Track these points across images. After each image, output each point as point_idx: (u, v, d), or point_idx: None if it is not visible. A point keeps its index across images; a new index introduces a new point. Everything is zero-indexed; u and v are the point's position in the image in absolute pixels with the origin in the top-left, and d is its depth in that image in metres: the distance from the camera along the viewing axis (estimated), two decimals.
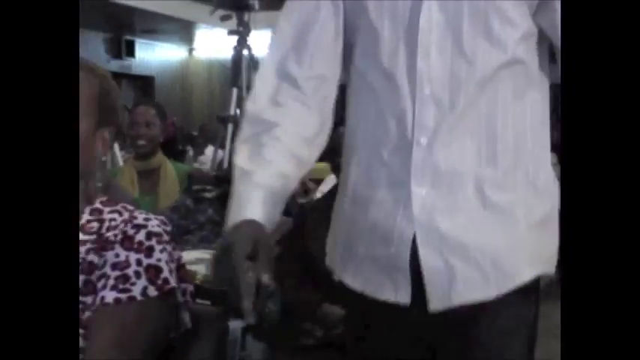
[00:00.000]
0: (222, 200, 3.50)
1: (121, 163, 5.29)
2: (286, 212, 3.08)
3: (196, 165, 8.46)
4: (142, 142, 4.34)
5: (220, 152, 5.59)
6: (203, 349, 1.75)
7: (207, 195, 3.57)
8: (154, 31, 14.01)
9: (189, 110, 15.09)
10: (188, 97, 15.51)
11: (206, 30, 13.62)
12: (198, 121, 13.34)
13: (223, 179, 3.61)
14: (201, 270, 3.22)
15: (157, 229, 1.63)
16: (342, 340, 2.78)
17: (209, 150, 8.94)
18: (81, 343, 1.56)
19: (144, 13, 12.33)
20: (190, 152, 10.65)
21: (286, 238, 3.16)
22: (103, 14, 12.18)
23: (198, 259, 3.29)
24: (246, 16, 5.77)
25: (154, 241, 1.62)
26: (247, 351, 2.89)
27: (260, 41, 6.22)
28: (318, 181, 4.68)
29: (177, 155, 7.67)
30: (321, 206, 3.20)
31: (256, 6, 5.76)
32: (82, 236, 1.64)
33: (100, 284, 1.58)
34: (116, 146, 5.65)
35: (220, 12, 5.90)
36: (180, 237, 3.49)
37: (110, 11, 11.96)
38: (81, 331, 1.56)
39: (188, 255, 3.38)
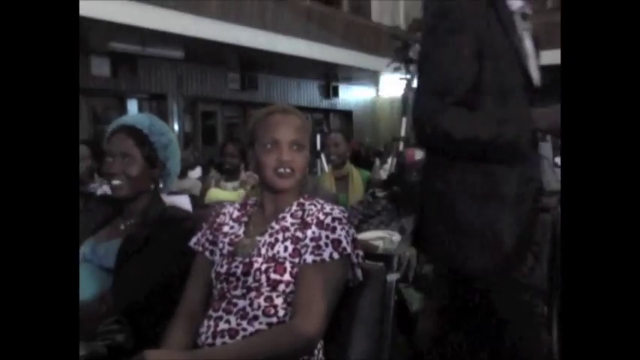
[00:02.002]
0: (391, 197, 3.62)
1: (326, 170, 5.50)
2: None
3: (382, 172, 8.55)
4: (333, 157, 4.60)
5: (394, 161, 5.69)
6: (371, 293, 1.80)
7: (378, 194, 3.67)
8: (352, 78, 14.18)
9: (377, 134, 15.16)
10: (376, 124, 15.58)
11: (388, 76, 13.66)
12: (383, 141, 13.42)
13: (391, 182, 3.72)
14: (380, 244, 3.31)
15: (338, 215, 1.71)
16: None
17: (390, 160, 9.00)
18: (290, 288, 1.67)
19: (345, 67, 12.53)
20: (377, 162, 10.74)
21: None
22: (317, 69, 12.49)
23: (378, 237, 3.38)
24: (411, 67, 5.87)
25: (336, 223, 1.69)
26: (408, 298, 2.97)
27: None
28: None
29: (365, 165, 7.78)
30: None
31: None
32: (290, 220, 1.74)
33: (302, 251, 1.68)
34: (323, 160, 5.87)
35: (393, 64, 6.03)
36: (366, 221, 3.60)
37: (322, 67, 12.22)
38: (292, 280, 1.67)
39: (372, 234, 3.49)
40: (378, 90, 15.60)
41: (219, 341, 1.64)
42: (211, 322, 1.69)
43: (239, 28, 9.35)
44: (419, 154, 3.48)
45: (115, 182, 2.02)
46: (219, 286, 1.74)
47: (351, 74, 13.54)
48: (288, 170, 1.75)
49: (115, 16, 7.59)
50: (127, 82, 10.03)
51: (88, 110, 10.00)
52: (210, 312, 1.72)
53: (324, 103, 14.40)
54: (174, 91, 10.90)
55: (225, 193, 4.62)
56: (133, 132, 2.04)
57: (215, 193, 4.65)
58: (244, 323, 1.64)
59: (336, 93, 14.68)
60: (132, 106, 10.74)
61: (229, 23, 9.22)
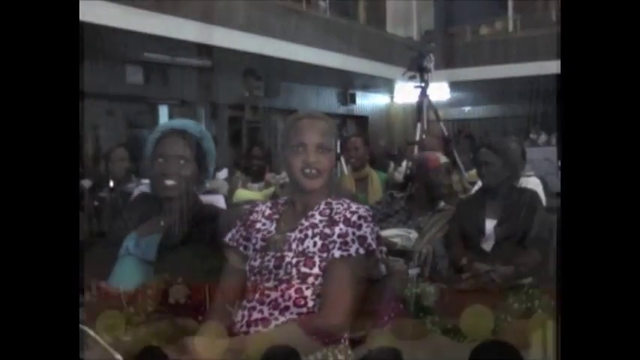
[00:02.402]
0: (408, 197, 3.63)
1: (346, 172, 5.48)
2: None
3: (396, 174, 8.53)
4: (352, 160, 4.61)
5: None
6: (393, 286, 1.83)
7: (396, 195, 3.68)
8: (368, 86, 14.16)
9: (391, 138, 15.10)
10: (390, 129, 15.54)
11: (401, 84, 13.60)
12: (397, 144, 13.33)
13: (405, 184, 3.73)
14: (398, 241, 3.33)
15: (364, 214, 1.72)
16: (486, 285, 2.82)
17: (404, 163, 8.94)
18: (319, 280, 1.68)
19: (361, 75, 12.53)
20: (392, 165, 10.69)
21: (451, 220, 3.21)
22: (335, 77, 12.49)
23: (396, 235, 3.40)
24: (425, 76, 5.87)
25: (362, 221, 1.70)
26: (424, 290, 2.97)
27: (434, 92, 6.32)
28: (473, 183, 4.67)
29: (379, 167, 7.76)
30: (469, 202, 3.25)
31: (432, 69, 5.87)
32: (319, 217, 1.75)
33: (330, 246, 1.69)
34: (343, 162, 5.85)
35: (409, 73, 6.03)
36: (384, 220, 3.60)
37: (340, 75, 12.23)
38: (320, 273, 1.69)
39: (390, 232, 3.50)
40: (392, 97, 15.54)
41: (252, 330, 1.67)
42: (245, 312, 1.71)
43: (263, 39, 9.39)
44: (442, 158, 3.53)
45: (170, 182, 2.03)
46: (252, 278, 1.76)
47: (367, 82, 13.52)
48: (314, 171, 1.77)
49: (148, 28, 7.65)
50: (158, 89, 10.09)
51: (123, 115, 10.07)
52: (245, 303, 1.74)
53: (342, 109, 14.36)
54: (202, 98, 10.94)
55: (252, 193, 4.65)
56: (187, 136, 2.07)
57: (242, 194, 4.68)
58: (276, 313, 1.67)
59: (353, 100, 14.62)
60: (163, 111, 10.80)
61: (254, 34, 9.26)
